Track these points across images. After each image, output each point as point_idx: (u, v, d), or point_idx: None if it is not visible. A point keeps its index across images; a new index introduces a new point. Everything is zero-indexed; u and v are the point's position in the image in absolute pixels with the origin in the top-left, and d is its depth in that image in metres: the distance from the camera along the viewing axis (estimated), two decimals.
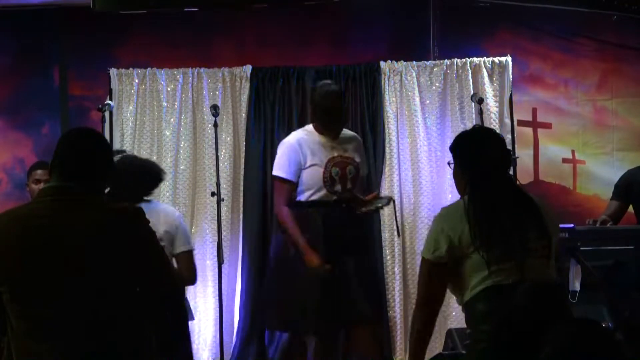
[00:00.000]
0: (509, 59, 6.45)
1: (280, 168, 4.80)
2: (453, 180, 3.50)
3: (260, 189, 6.41)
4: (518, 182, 3.94)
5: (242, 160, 6.43)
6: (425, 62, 6.52)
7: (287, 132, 6.45)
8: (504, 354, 2.97)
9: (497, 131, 6.28)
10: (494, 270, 3.14)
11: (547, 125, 6.91)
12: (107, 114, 6.09)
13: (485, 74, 6.41)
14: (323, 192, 4.70)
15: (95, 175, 2.82)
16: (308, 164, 4.72)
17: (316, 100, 4.95)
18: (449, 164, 3.57)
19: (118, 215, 2.77)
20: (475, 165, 3.31)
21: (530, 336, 2.91)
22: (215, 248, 5.82)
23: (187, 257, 4.49)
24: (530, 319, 2.99)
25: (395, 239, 6.28)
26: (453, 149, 3.45)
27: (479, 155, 3.33)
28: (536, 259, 3.22)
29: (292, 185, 4.83)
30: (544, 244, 3.26)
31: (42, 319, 2.67)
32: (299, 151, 4.75)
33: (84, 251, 2.67)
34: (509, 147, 6.32)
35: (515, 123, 6.43)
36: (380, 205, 4.75)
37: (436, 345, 6.20)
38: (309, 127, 5.08)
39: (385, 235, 6.30)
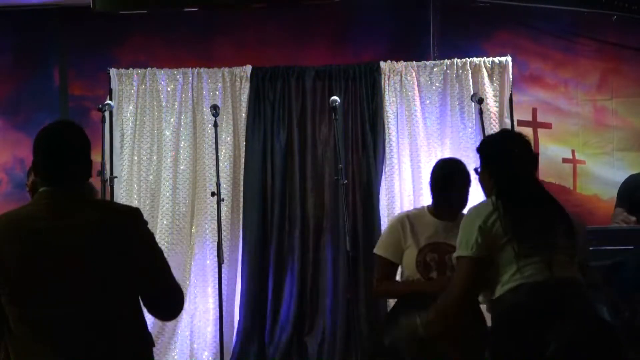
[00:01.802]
0: (509, 59, 6.45)
1: (379, 244, 4.41)
2: (480, 184, 3.53)
3: (260, 189, 6.41)
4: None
5: (242, 160, 6.43)
6: (425, 62, 6.52)
7: (287, 132, 6.49)
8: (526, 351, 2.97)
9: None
10: (523, 265, 3.15)
11: (547, 125, 6.91)
12: (107, 114, 6.09)
13: (485, 74, 6.42)
14: (417, 277, 4.22)
15: (81, 171, 2.81)
16: (407, 244, 4.27)
17: (433, 178, 4.37)
18: (475, 170, 3.58)
19: (117, 216, 2.76)
20: (504, 167, 3.37)
21: (531, 335, 2.91)
22: (215, 248, 5.83)
23: None
24: (548, 317, 3.00)
25: None
26: (481, 152, 3.51)
27: (507, 158, 3.39)
28: (563, 255, 3.24)
29: (386, 262, 4.37)
30: (571, 243, 3.29)
31: (41, 321, 2.67)
32: (400, 231, 4.29)
33: (83, 253, 2.66)
34: None
35: (515, 123, 6.43)
36: None
37: None
38: (428, 205, 4.47)
39: None
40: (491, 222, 3.22)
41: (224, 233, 6.11)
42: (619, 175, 5.92)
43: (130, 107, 6.47)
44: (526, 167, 3.41)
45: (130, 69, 6.52)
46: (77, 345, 2.66)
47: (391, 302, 6.27)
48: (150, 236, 2.82)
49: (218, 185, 5.93)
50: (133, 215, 2.79)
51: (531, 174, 3.46)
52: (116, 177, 6.12)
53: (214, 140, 6.09)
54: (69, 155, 2.77)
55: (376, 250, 4.43)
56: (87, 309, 2.66)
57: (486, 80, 6.41)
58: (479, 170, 3.51)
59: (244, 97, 6.47)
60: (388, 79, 6.44)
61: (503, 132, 3.92)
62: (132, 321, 2.76)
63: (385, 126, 6.39)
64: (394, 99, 6.43)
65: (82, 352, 2.66)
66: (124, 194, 6.29)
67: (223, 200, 5.99)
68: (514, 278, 3.15)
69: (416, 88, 6.44)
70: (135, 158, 6.42)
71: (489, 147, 3.51)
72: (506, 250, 3.18)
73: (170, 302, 2.87)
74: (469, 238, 3.24)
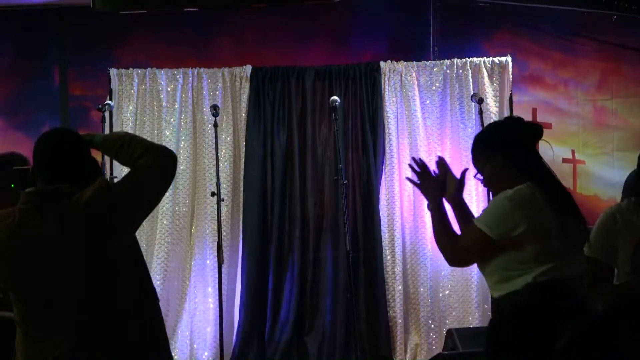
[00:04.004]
0: (509, 59, 6.45)
1: (590, 245, 3.73)
2: (490, 182, 3.29)
3: (260, 189, 6.41)
4: None
5: (242, 160, 6.43)
6: (425, 62, 6.52)
7: (287, 132, 6.49)
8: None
9: None
10: (562, 263, 3.07)
11: (547, 125, 6.90)
12: (107, 114, 6.10)
13: (485, 74, 6.42)
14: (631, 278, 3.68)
15: (78, 174, 2.82)
16: (620, 242, 3.68)
17: None
18: (477, 177, 3.33)
19: (92, 201, 2.73)
20: (526, 149, 3.22)
21: (540, 333, 2.88)
22: (215, 248, 5.83)
23: None
24: (540, 316, 2.95)
25: (396, 238, 6.29)
26: (493, 139, 3.27)
27: (526, 140, 3.24)
28: (582, 252, 3.21)
29: (597, 264, 3.69)
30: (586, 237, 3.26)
31: (47, 319, 2.69)
32: (612, 228, 3.70)
33: (74, 248, 2.68)
34: None
35: None
36: None
37: (436, 345, 6.21)
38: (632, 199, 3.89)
39: (385, 235, 6.31)
40: (537, 217, 3.07)
41: (224, 233, 6.11)
42: (619, 176, 5.92)
43: (130, 107, 6.47)
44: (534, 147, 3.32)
45: (130, 69, 6.52)
46: (81, 339, 2.67)
47: (394, 302, 6.28)
48: (116, 186, 2.84)
49: (218, 185, 5.93)
50: (101, 191, 2.77)
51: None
52: (116, 177, 6.11)
53: (214, 140, 6.09)
54: (60, 160, 2.80)
55: (587, 252, 3.88)
56: (87, 300, 2.68)
57: (486, 80, 6.42)
58: (484, 169, 3.27)
59: (244, 97, 6.47)
60: (388, 79, 6.45)
61: (505, 119, 3.57)
62: (140, 314, 2.77)
63: (385, 126, 6.40)
64: (394, 99, 6.44)
65: (87, 346, 2.67)
66: None
67: (223, 200, 5.99)
68: (551, 273, 3.05)
69: (416, 88, 6.44)
70: None
71: (504, 133, 3.28)
72: (547, 244, 3.07)
73: (161, 161, 2.87)
74: (505, 222, 3.07)
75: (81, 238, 2.68)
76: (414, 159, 3.46)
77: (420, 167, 3.38)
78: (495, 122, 3.52)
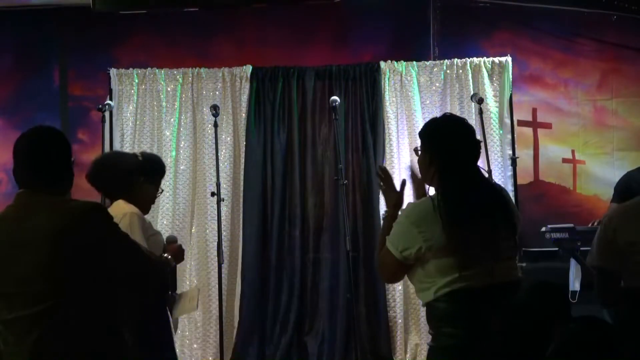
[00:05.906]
0: (509, 59, 6.45)
1: None
2: (418, 167, 3.35)
3: (260, 189, 6.41)
4: (491, 179, 3.69)
5: (242, 160, 6.43)
6: (425, 62, 6.52)
7: (287, 132, 6.49)
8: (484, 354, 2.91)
9: (497, 131, 6.31)
10: (465, 274, 3.03)
11: (547, 125, 6.90)
12: (107, 114, 6.10)
13: (485, 74, 6.42)
14: None
15: (57, 176, 2.80)
16: None
17: None
18: (415, 150, 3.38)
19: (76, 216, 2.71)
20: (446, 155, 3.18)
21: (532, 335, 2.88)
22: (215, 248, 5.84)
23: None
24: (532, 318, 2.94)
25: None
26: (423, 135, 3.28)
27: (450, 144, 3.19)
28: (505, 260, 3.14)
29: None
30: (511, 243, 3.17)
31: (12, 323, 2.67)
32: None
33: (49, 256, 2.65)
34: (509, 147, 6.35)
35: (515, 123, 6.44)
36: None
37: None
38: None
39: None
40: (432, 233, 3.05)
41: (224, 233, 6.11)
42: (619, 176, 5.90)
43: (130, 107, 6.48)
44: (469, 156, 3.22)
45: (130, 69, 6.52)
46: (46, 351, 2.65)
47: (394, 302, 6.28)
48: (111, 230, 2.78)
49: (218, 185, 5.93)
50: (91, 214, 2.75)
51: (473, 164, 3.25)
52: None
53: (214, 140, 6.09)
54: (39, 160, 2.80)
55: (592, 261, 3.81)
56: (56, 315, 2.65)
57: (486, 80, 6.41)
58: (419, 152, 3.29)
59: (244, 97, 6.47)
60: (388, 79, 6.45)
61: (447, 117, 3.47)
62: (106, 325, 2.74)
63: (385, 126, 6.40)
64: (394, 99, 6.44)
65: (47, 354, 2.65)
66: None
67: (223, 200, 5.99)
68: (454, 285, 3.04)
69: (416, 88, 6.44)
70: None
71: (431, 131, 3.26)
72: (444, 260, 3.05)
73: (142, 286, 2.92)
74: (404, 241, 3.09)
75: (44, 248, 2.65)
76: (380, 167, 3.51)
77: (383, 176, 3.45)
78: (447, 120, 3.35)
